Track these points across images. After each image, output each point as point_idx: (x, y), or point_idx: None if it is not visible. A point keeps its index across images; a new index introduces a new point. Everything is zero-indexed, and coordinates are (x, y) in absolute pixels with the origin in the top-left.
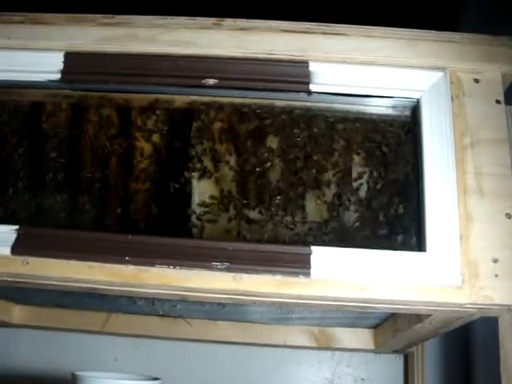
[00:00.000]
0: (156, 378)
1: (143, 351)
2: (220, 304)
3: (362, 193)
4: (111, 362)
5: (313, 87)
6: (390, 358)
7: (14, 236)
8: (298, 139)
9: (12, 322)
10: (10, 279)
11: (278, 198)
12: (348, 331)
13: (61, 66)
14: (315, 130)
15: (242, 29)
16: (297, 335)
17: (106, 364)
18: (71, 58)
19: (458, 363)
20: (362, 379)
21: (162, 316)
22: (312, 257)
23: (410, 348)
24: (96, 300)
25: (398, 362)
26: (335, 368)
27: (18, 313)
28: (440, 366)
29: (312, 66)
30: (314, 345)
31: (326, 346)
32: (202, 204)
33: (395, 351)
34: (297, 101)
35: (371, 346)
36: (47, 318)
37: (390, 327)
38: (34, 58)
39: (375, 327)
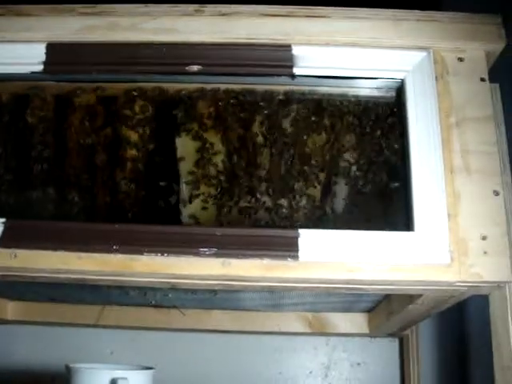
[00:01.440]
0: (149, 368)
1: (139, 343)
2: (212, 291)
3: (349, 174)
4: (107, 355)
5: (296, 70)
6: (385, 341)
7: (0, 229)
8: (284, 123)
9: (7, 319)
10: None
11: (266, 182)
12: (342, 316)
13: (43, 57)
14: (300, 113)
15: (224, 14)
16: (291, 321)
17: (102, 357)
18: (53, 48)
19: (453, 345)
20: (358, 364)
21: (155, 306)
22: (300, 239)
23: (405, 331)
24: (89, 293)
25: (393, 345)
26: (331, 353)
27: (12, 309)
28: (435, 348)
29: (295, 50)
30: (308, 330)
31: (320, 331)
32: (190, 190)
33: (390, 335)
34: (281, 85)
35: (366, 331)
36: (42, 313)
37: (384, 310)
38: (15, 50)
39: (369, 311)
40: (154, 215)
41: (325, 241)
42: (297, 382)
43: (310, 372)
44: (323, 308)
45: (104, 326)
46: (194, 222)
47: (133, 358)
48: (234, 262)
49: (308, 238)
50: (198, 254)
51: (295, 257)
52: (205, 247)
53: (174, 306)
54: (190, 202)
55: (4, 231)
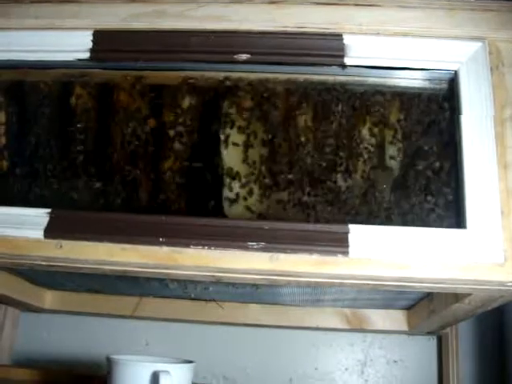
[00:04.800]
0: (190, 361)
1: (174, 335)
2: (254, 286)
3: (400, 169)
4: (143, 347)
5: (347, 60)
6: (423, 339)
7: (46, 219)
8: (332, 114)
9: (44, 307)
10: (43, 263)
11: (313, 176)
12: (381, 313)
13: (90, 44)
14: (349, 104)
15: (274, 2)
16: (329, 317)
17: (137, 348)
18: (100, 36)
19: (493, 345)
20: (395, 361)
21: (194, 299)
22: (350, 235)
23: (444, 329)
24: (128, 284)
25: (431, 343)
26: (367, 350)
27: (49, 298)
28: (474, 347)
29: (346, 39)
30: (346, 327)
31: (358, 327)
32: (235, 184)
33: (429, 333)
34: (330, 75)
35: (404, 328)
36: (79, 303)
37: (425, 308)
38: (62, 38)
39: (409, 308)
40: (197, 208)
41: (375, 237)
42: (332, 379)
43: (346, 368)
44: (362, 304)
45: (140, 318)
46: (239, 216)
47: (167, 350)
48: (283, 256)
49: (358, 233)
50: (245, 248)
51: (345, 253)
52: (253, 241)
53: (213, 300)
54: (236, 196)
55: (50, 221)
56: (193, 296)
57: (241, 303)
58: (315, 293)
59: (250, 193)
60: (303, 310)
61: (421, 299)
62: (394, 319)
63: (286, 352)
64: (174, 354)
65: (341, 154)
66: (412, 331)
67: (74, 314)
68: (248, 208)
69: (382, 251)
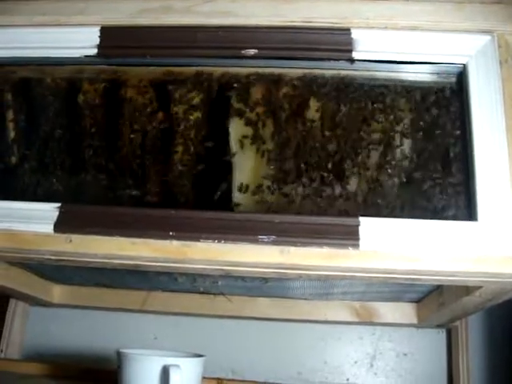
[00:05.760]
0: (199, 355)
1: (183, 329)
2: (263, 279)
3: (409, 162)
4: (151, 341)
5: (355, 55)
6: (432, 332)
7: (56, 214)
8: (340, 109)
9: (52, 302)
10: (53, 257)
11: (323, 169)
12: (390, 305)
13: (97, 40)
14: (357, 99)
15: None
16: (338, 310)
17: (145, 342)
18: (107, 32)
19: (503, 337)
20: (405, 354)
21: (202, 293)
22: (360, 228)
23: (454, 322)
24: (136, 278)
25: (440, 336)
26: (377, 343)
27: (58, 292)
28: (484, 340)
29: (354, 33)
30: (355, 320)
31: (367, 320)
32: (244, 177)
33: (438, 326)
34: (338, 69)
35: (414, 321)
36: (87, 297)
37: (435, 301)
38: (69, 34)
39: (418, 301)
40: (207, 202)
41: (385, 229)
42: (342, 372)
43: (355, 362)
44: (371, 297)
45: (149, 312)
46: (248, 209)
47: (176, 344)
48: (293, 249)
49: (369, 226)
50: (255, 242)
51: (356, 245)
52: (263, 234)
53: (221, 293)
54: (245, 189)
55: (59, 216)
56: (202, 290)
57: (249, 297)
58: (324, 286)
59: (260, 186)
60: (312, 304)
61: (430, 292)
62: (404, 312)
63: (295, 345)
64: (182, 348)
65: (350, 147)
66: (421, 324)
67: (83, 308)
68: (257, 201)
69: (393, 244)
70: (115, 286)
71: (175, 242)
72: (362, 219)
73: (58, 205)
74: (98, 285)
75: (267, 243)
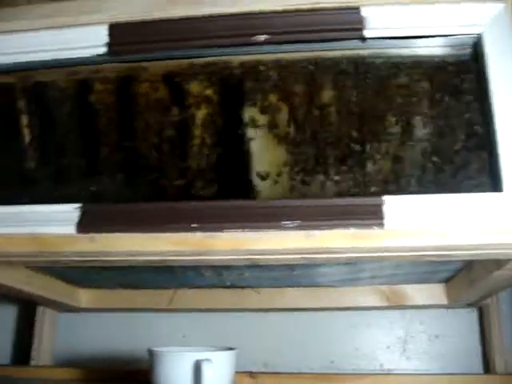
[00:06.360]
0: (231, 348)
1: (211, 325)
2: (289, 268)
3: (430, 137)
4: (179, 339)
5: (367, 33)
6: (463, 312)
7: (77, 214)
8: (355, 89)
9: (80, 307)
10: (76, 258)
11: (342, 151)
12: (419, 287)
13: (106, 39)
14: (372, 78)
15: None
16: (367, 296)
17: (174, 341)
18: (115, 29)
19: None
20: (436, 336)
21: (229, 287)
22: (384, 207)
23: (485, 300)
24: (163, 276)
25: (471, 315)
26: (407, 327)
27: (84, 296)
28: None
29: (364, 11)
30: (385, 304)
31: (397, 304)
32: (263, 164)
33: (469, 305)
34: (349, 49)
35: (444, 301)
36: (114, 300)
37: (465, 279)
38: (77, 34)
39: (447, 281)
40: (227, 192)
41: (410, 207)
42: (374, 358)
43: (388, 347)
44: (400, 280)
45: (176, 310)
46: (270, 196)
47: (204, 340)
48: (318, 233)
49: (392, 204)
50: (280, 228)
51: (381, 224)
52: (287, 220)
53: (249, 286)
54: (264, 176)
55: (81, 216)
56: (228, 283)
57: (277, 288)
58: (352, 271)
59: (279, 173)
60: (340, 290)
61: (459, 271)
62: (433, 293)
63: (325, 334)
64: (212, 344)
65: (369, 126)
66: (452, 304)
67: (110, 311)
68: (278, 188)
69: (419, 221)
70: (141, 287)
71: (198, 234)
72: (385, 197)
73: (79, 205)
74: (124, 286)
75: (292, 229)
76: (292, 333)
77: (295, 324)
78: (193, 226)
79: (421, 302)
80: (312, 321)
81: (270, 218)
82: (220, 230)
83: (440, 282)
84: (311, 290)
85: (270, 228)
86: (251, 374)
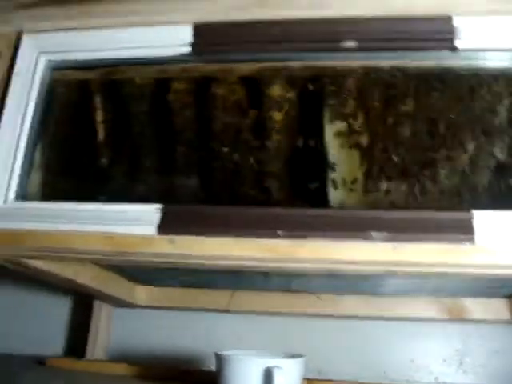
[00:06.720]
0: (299, 355)
1: (267, 329)
2: (363, 278)
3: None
4: (234, 341)
5: (458, 43)
6: None
7: (158, 215)
8: (441, 101)
9: (136, 303)
10: (155, 259)
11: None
12: (481, 301)
13: (190, 38)
14: (460, 90)
15: None
16: (427, 307)
17: (229, 343)
18: (200, 29)
19: None
20: (496, 351)
21: (290, 291)
22: (474, 222)
23: None
24: (226, 277)
25: None
26: (466, 340)
27: (142, 293)
28: None
29: (456, 21)
30: (445, 317)
31: (458, 317)
32: (342, 173)
33: None
34: (438, 59)
35: (506, 317)
36: (171, 298)
37: None
38: (161, 33)
39: (510, 296)
40: (302, 199)
41: (501, 222)
42: (430, 371)
43: (444, 360)
44: (462, 293)
45: (234, 312)
46: (348, 206)
47: (260, 344)
48: (406, 246)
49: (483, 219)
50: (368, 238)
51: (471, 240)
52: (375, 231)
53: (311, 291)
54: (341, 185)
55: (162, 217)
56: (294, 288)
57: (338, 295)
58: (417, 282)
59: (355, 181)
60: (401, 301)
61: None
62: (495, 308)
63: (381, 344)
64: (266, 348)
65: (452, 138)
66: None
67: (167, 309)
68: (357, 197)
69: (510, 237)
70: (201, 286)
71: (284, 241)
72: (475, 212)
73: (160, 206)
74: (183, 285)
75: (380, 240)
76: (348, 340)
77: (353, 332)
78: (278, 232)
79: (482, 316)
80: (370, 329)
81: (357, 228)
82: (305, 238)
83: (503, 296)
84: (372, 299)
85: (356, 238)
86: (309, 381)
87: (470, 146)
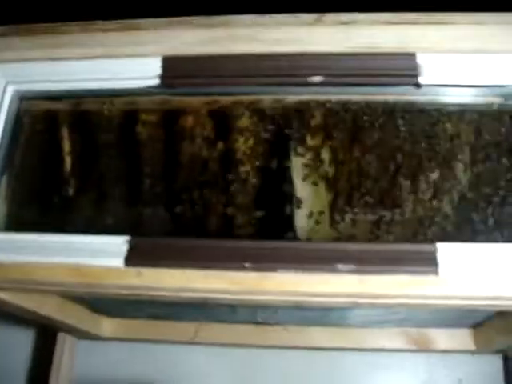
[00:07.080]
0: None
1: (232, 360)
2: (328, 309)
3: (480, 186)
4: (202, 373)
5: (422, 79)
6: (488, 358)
7: (125, 247)
8: (405, 135)
9: (101, 335)
10: (122, 292)
11: (386, 196)
12: (446, 332)
13: (159, 70)
14: (422, 125)
15: (344, 23)
16: (394, 338)
17: (195, 375)
18: (169, 62)
19: None
20: (460, 380)
21: (258, 323)
22: (438, 254)
23: None
24: (195, 310)
25: (497, 361)
26: (431, 370)
27: (108, 326)
28: None
29: (419, 58)
30: (412, 347)
31: (423, 347)
32: (306, 206)
33: (497, 351)
34: (402, 95)
35: (471, 347)
36: (137, 330)
37: (497, 326)
38: (130, 65)
39: (474, 326)
40: (269, 231)
41: (465, 255)
42: None
43: None
44: (428, 324)
45: (200, 344)
46: (311, 238)
47: (226, 377)
48: (372, 278)
49: (446, 252)
50: (334, 271)
51: (435, 272)
52: (341, 263)
53: (277, 323)
54: (308, 218)
55: (129, 249)
56: (259, 320)
57: (303, 326)
58: (384, 313)
59: (321, 213)
60: (367, 331)
61: (490, 317)
62: (460, 338)
63: (348, 375)
64: (233, 381)
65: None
66: (479, 350)
67: (132, 341)
68: (322, 231)
69: (474, 269)
70: (167, 318)
71: (251, 274)
72: (439, 245)
73: (128, 238)
74: (150, 317)
75: (345, 272)
76: (315, 372)
77: (320, 363)
78: (246, 265)
79: (448, 347)
80: (337, 361)
81: (325, 261)
82: (273, 270)
83: (468, 327)
84: (339, 330)
85: (323, 270)
86: None
87: (433, 179)
